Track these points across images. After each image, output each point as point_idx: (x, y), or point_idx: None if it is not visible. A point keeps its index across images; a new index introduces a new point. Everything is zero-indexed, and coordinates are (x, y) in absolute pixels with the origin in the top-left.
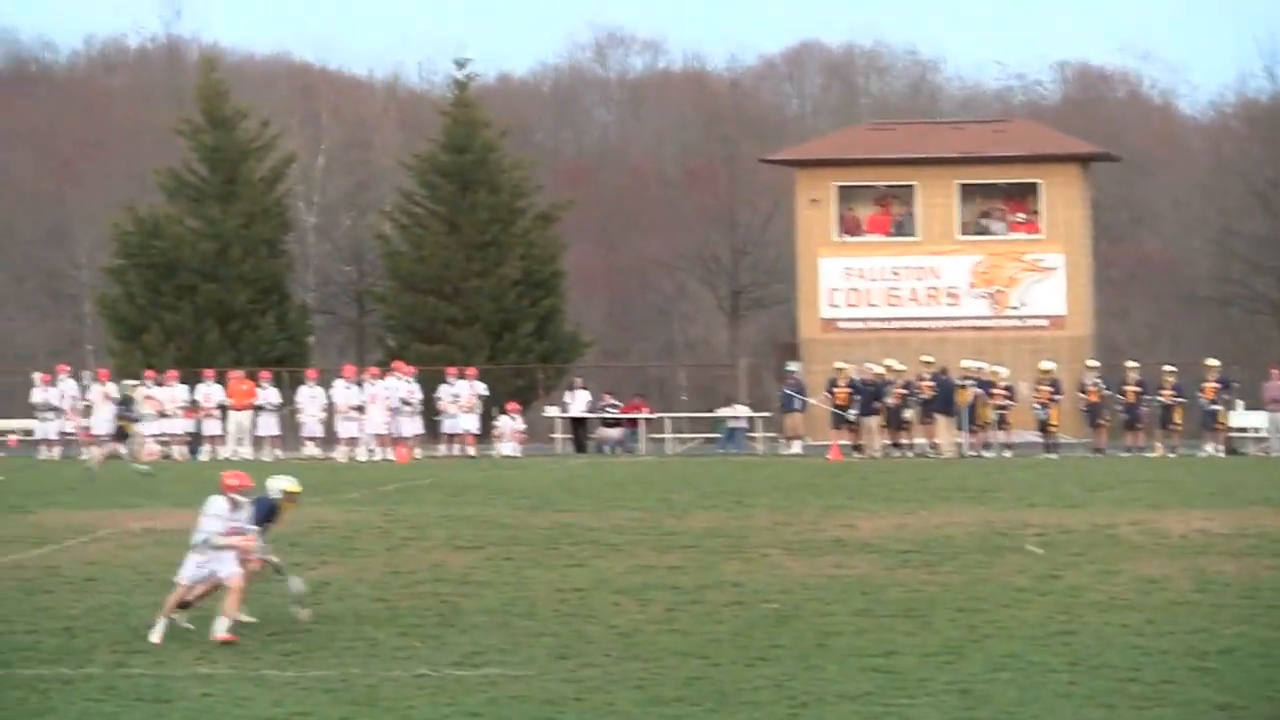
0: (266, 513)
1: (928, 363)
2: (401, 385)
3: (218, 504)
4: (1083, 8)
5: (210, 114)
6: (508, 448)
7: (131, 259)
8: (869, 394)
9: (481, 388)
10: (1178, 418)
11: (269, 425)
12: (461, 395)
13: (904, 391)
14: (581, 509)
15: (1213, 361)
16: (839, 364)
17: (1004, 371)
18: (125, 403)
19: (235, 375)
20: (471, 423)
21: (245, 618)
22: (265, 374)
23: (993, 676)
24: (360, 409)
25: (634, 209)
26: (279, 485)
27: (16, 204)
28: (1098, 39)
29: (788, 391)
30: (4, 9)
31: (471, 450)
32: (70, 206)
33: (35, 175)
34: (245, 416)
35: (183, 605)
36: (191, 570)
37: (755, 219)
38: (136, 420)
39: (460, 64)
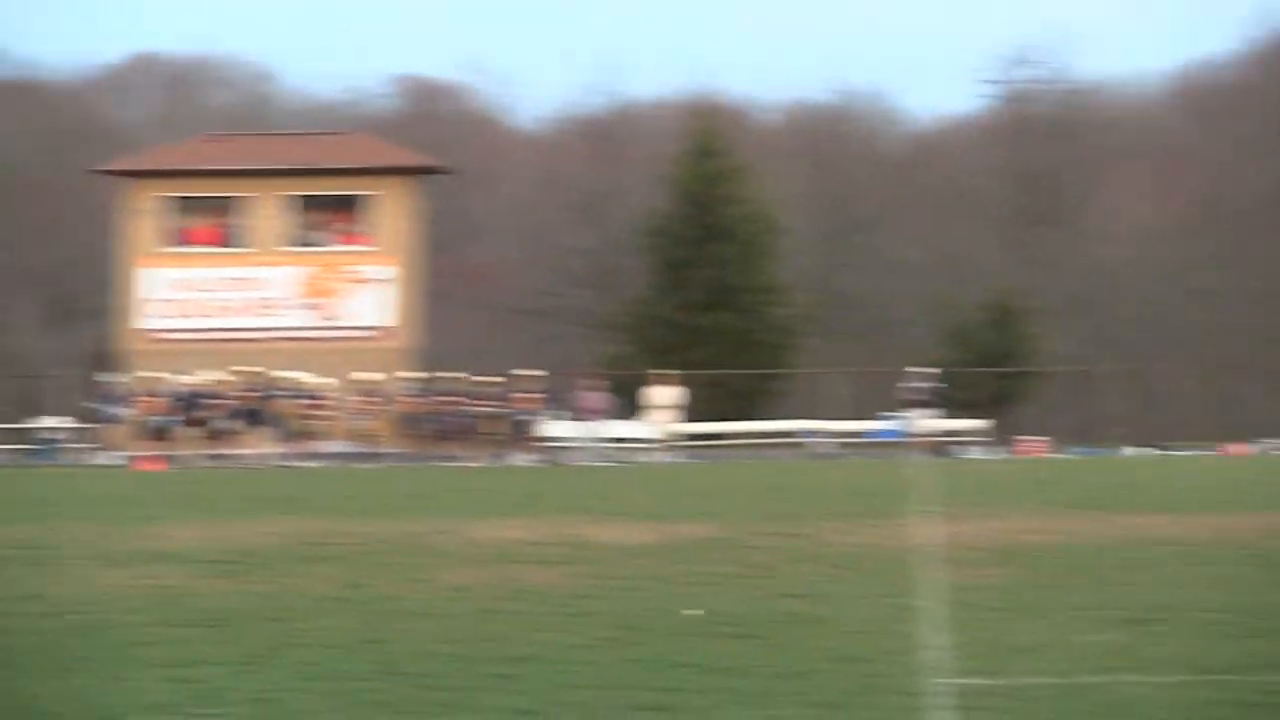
0: None
1: (246, 373)
2: None
3: None
4: (421, 21)
5: None
6: None
7: None
8: (186, 404)
9: None
10: (495, 428)
11: None
12: None
13: (221, 402)
14: None
15: (527, 372)
16: (154, 374)
17: (322, 381)
18: None
19: None
20: None
21: None
22: None
23: (296, 686)
24: None
25: None
26: None
27: None
28: (437, 52)
29: (99, 403)
30: None
31: None
32: None
33: None
34: None
35: None
36: None
37: (91, 231)
38: None
39: None
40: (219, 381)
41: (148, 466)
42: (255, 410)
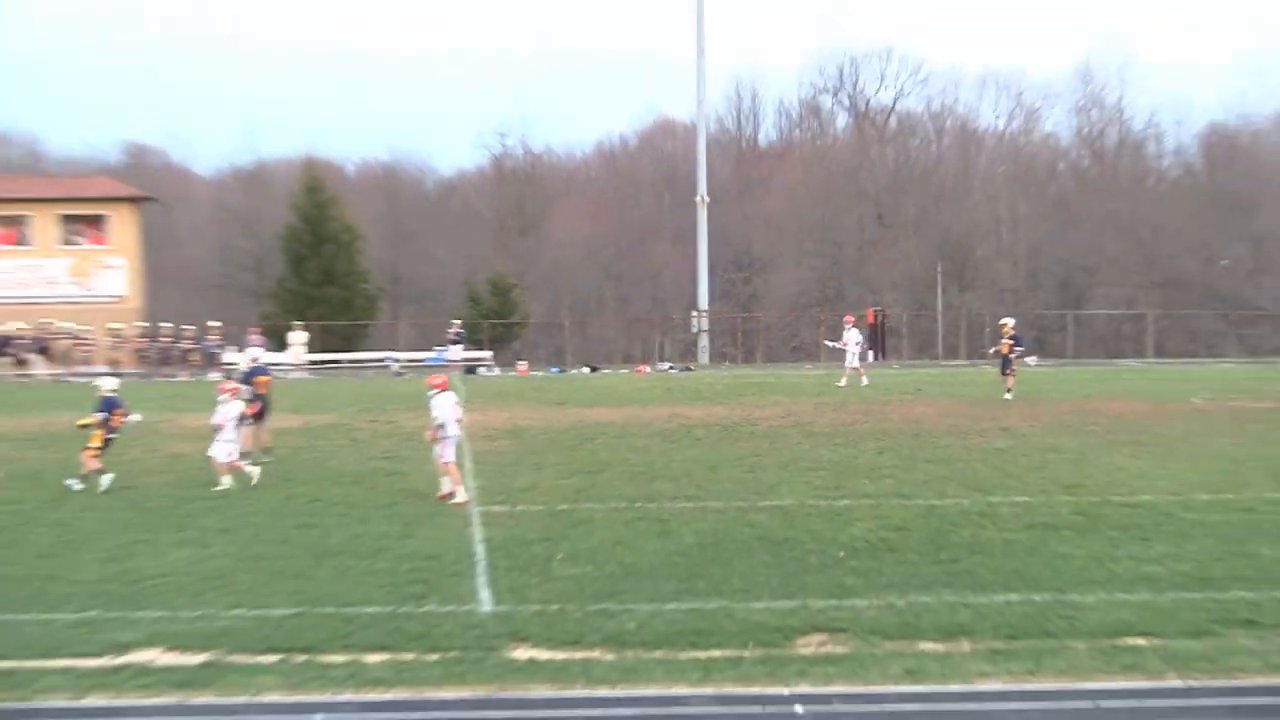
0: None
1: (38, 324)
2: None
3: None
4: (130, 100)
5: None
6: None
7: None
8: (2, 343)
9: None
10: (194, 358)
11: None
12: None
13: (22, 341)
14: None
15: (213, 323)
16: None
17: (85, 328)
18: None
19: None
20: None
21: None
22: None
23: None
24: None
25: None
26: None
27: None
28: (147, 122)
29: None
30: None
31: None
32: None
33: None
34: None
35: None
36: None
37: None
38: None
39: None
40: (20, 329)
41: None
42: (44, 346)
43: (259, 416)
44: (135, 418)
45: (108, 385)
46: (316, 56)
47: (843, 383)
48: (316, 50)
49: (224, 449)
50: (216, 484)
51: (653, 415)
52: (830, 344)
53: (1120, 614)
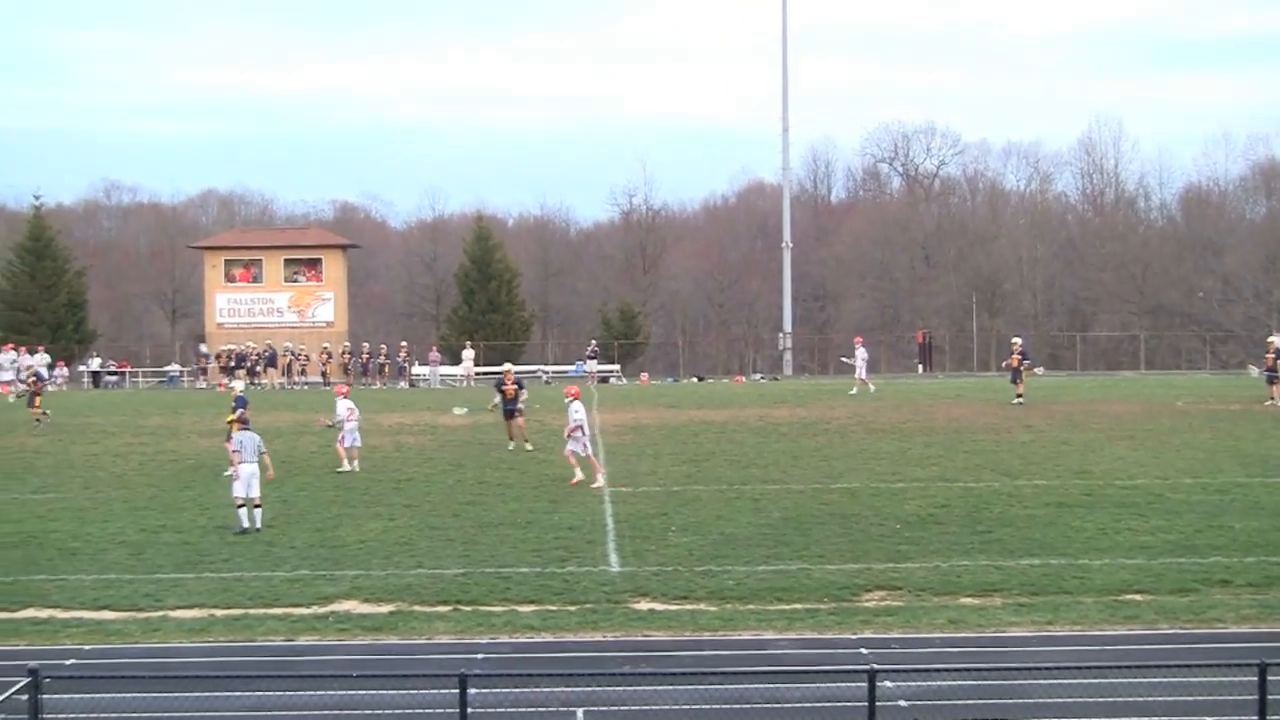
0: None
1: (265, 342)
2: None
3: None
4: (337, 170)
5: None
6: None
7: None
8: (239, 357)
9: None
10: (388, 369)
11: None
12: None
13: (254, 355)
14: None
15: (404, 343)
16: (223, 346)
17: (301, 347)
18: None
19: None
20: None
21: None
22: None
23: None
24: None
25: None
26: None
27: None
28: (351, 186)
29: (197, 358)
30: None
31: None
32: None
33: None
34: None
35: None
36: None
37: (193, 274)
38: None
39: None
40: (252, 347)
41: (222, 388)
42: (271, 359)
43: (510, 414)
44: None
45: (239, 387)
46: (484, 135)
47: (854, 391)
48: (484, 130)
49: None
50: (342, 467)
51: (747, 415)
52: (845, 360)
53: (1121, 575)
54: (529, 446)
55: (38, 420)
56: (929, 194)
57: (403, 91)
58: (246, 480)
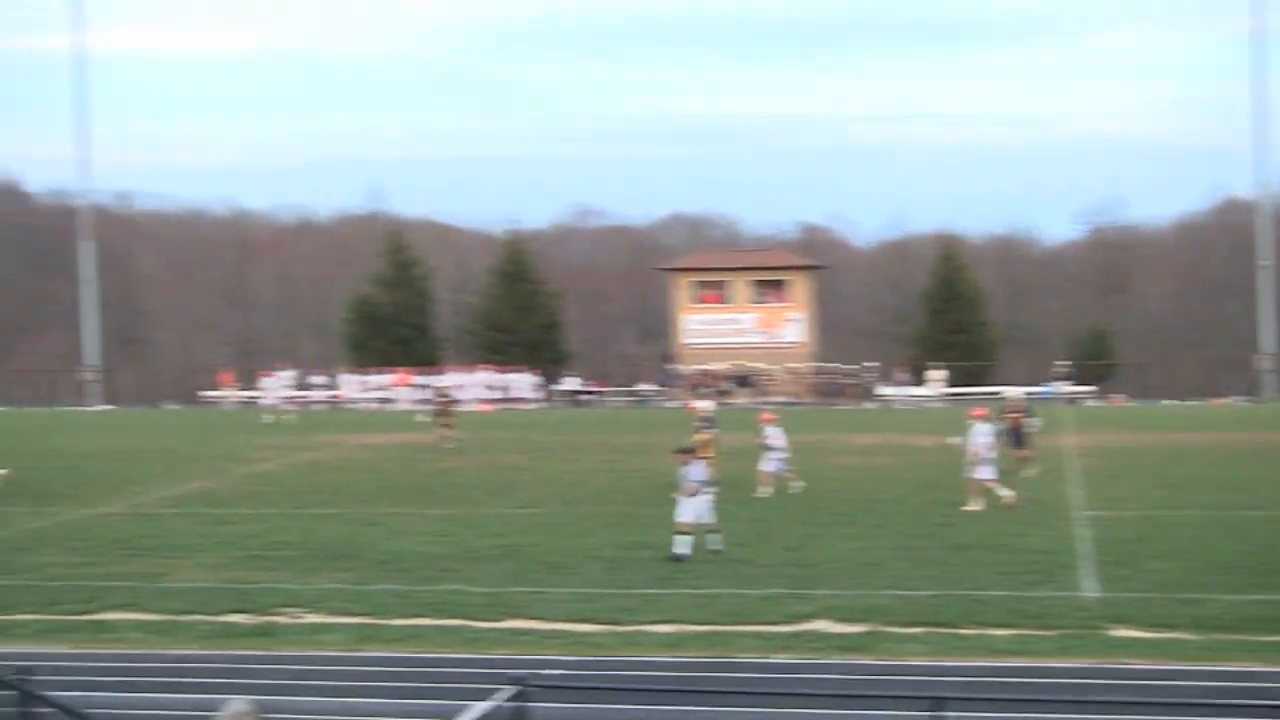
0: None
1: (735, 364)
2: None
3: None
4: (803, 192)
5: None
6: None
7: None
8: (704, 377)
9: None
10: (854, 390)
11: None
12: None
13: (725, 376)
14: None
15: (869, 363)
16: (691, 366)
17: (770, 367)
18: None
19: None
20: None
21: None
22: None
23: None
24: None
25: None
26: None
27: None
28: (822, 206)
29: (667, 378)
30: None
31: None
32: None
33: None
34: None
35: None
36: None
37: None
38: None
39: None
40: (721, 367)
41: (688, 408)
42: (743, 379)
43: (1018, 444)
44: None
45: (705, 406)
46: (945, 154)
47: None
48: (944, 149)
49: (773, 463)
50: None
51: (1227, 439)
52: None
53: None
54: (1030, 473)
55: (446, 442)
56: None
57: (864, 113)
58: (695, 508)
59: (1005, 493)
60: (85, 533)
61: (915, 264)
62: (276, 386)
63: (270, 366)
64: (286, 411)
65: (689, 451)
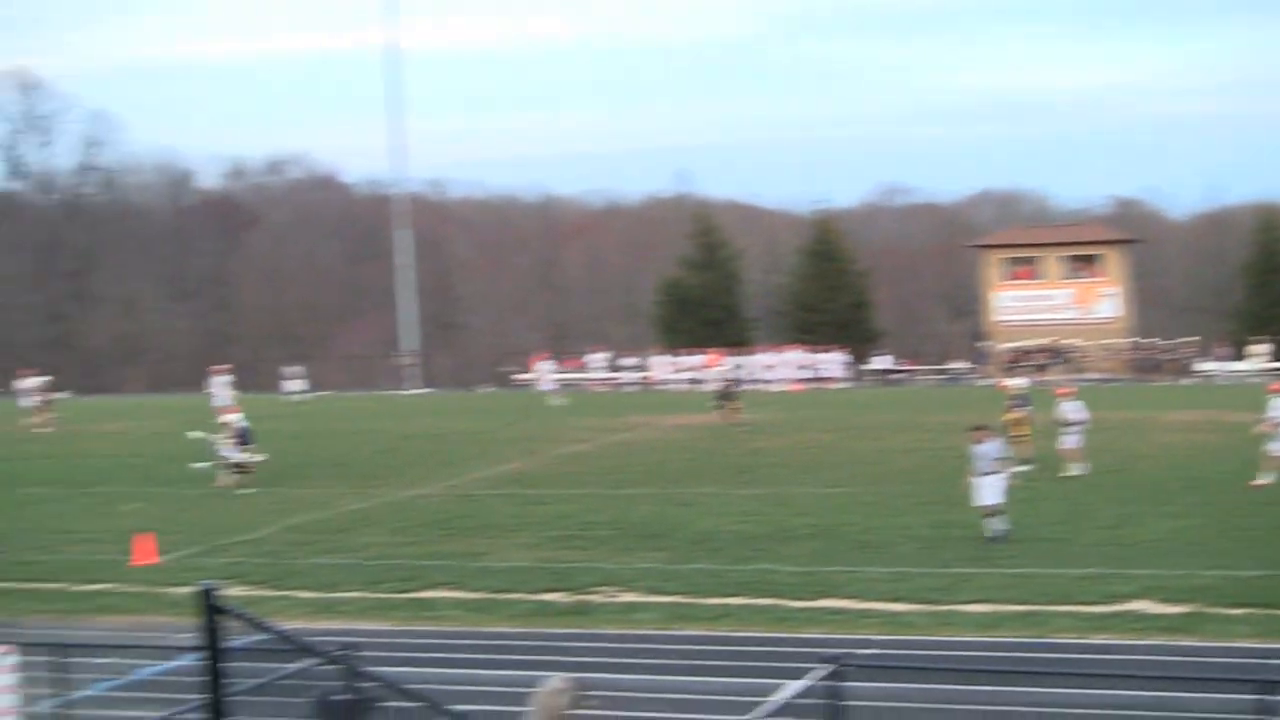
0: None
1: (1049, 339)
2: None
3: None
4: (1121, 163)
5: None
6: None
7: None
8: (1017, 354)
9: None
10: (1171, 365)
11: None
12: None
13: (1040, 351)
14: None
15: (1186, 338)
16: (1002, 342)
17: (1078, 343)
18: None
19: None
20: None
21: None
22: None
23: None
24: None
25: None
26: None
27: None
28: (1141, 178)
29: (980, 356)
30: None
31: None
32: None
33: None
34: None
35: None
36: None
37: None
38: None
39: None
40: (1035, 342)
41: (999, 386)
42: (1058, 353)
43: None
44: None
45: (1017, 384)
46: (1264, 124)
47: None
48: (1263, 119)
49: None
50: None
51: None
52: None
53: None
54: None
55: (737, 424)
56: None
57: (1175, 86)
58: (987, 489)
59: None
60: (406, 513)
61: (1234, 236)
62: (549, 370)
63: (579, 350)
64: (558, 394)
65: (983, 429)
